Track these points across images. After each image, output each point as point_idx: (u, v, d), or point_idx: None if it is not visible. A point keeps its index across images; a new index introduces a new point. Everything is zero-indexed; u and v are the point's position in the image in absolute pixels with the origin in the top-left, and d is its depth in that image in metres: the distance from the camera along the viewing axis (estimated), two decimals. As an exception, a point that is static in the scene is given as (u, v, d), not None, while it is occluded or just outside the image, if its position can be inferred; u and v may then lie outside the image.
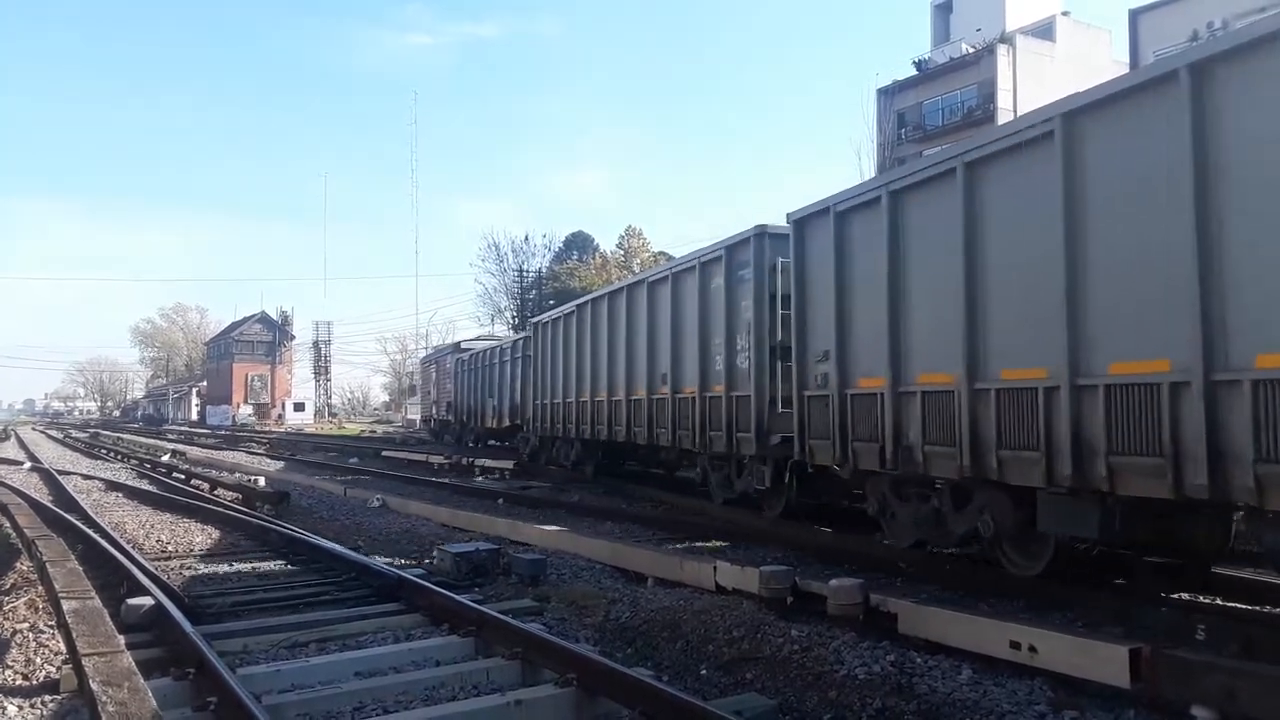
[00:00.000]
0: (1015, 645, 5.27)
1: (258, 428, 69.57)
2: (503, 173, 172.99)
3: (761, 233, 11.77)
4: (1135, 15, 38.96)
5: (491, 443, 29.15)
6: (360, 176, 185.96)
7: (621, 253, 62.55)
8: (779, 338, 11.19)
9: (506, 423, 25.83)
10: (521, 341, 24.57)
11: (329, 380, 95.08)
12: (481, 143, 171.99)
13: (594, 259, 62.66)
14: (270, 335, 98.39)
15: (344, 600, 7.52)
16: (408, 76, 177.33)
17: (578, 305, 18.62)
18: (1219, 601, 7.15)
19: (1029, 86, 47.40)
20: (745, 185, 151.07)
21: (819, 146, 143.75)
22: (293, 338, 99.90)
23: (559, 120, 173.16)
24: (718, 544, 10.34)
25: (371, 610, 7.03)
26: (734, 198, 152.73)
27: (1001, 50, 48.20)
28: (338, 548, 9.51)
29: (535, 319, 22.59)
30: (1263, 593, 7.14)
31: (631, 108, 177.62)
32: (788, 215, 10.36)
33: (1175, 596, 7.27)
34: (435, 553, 9.11)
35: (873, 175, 49.13)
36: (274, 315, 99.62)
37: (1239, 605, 7.02)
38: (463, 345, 34.55)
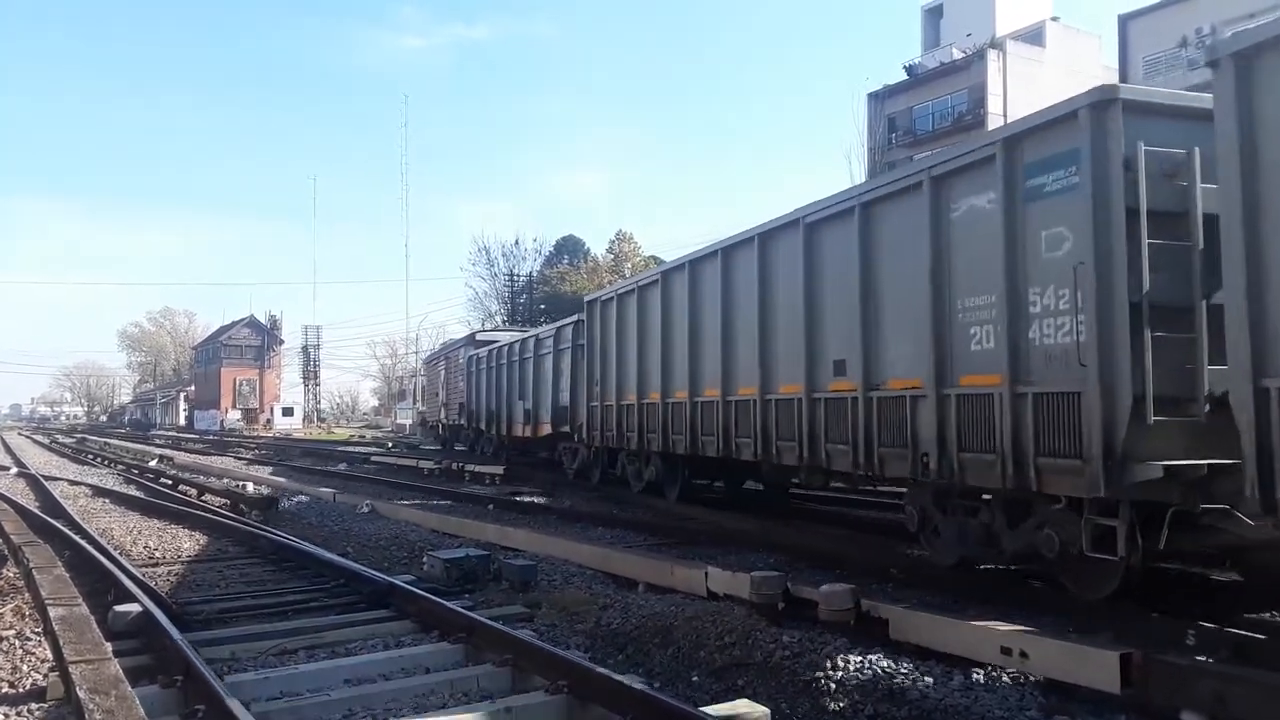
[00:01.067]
0: (1006, 651, 5.28)
1: (246, 433, 69.31)
2: (499, 175, 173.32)
3: (1110, 99, 6.48)
4: (1124, 20, 39.18)
5: (513, 454, 23.85)
6: (353, 179, 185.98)
7: (612, 257, 62.53)
8: (1147, 288, 6.23)
9: (547, 430, 20.47)
10: (570, 329, 19.08)
11: (318, 385, 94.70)
12: (477, 145, 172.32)
13: (584, 263, 62.66)
14: (259, 339, 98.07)
15: (333, 607, 7.48)
16: (402, 78, 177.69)
17: (664, 271, 13.82)
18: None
19: (1019, 92, 47.64)
20: (744, 186, 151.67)
21: (818, 147, 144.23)
22: (281, 342, 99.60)
23: (555, 122, 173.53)
24: (708, 549, 10.32)
25: (361, 617, 6.99)
26: (732, 198, 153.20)
27: (991, 55, 48.44)
28: (327, 554, 9.46)
29: (592, 295, 17.36)
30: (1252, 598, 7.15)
31: (628, 109, 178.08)
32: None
33: (1164, 602, 7.28)
34: (425, 559, 9.08)
35: (863, 179, 49.42)
36: (263, 319, 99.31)
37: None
38: (479, 338, 29.96)
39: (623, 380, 15.06)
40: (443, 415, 33.13)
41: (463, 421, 29.16)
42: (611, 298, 15.79)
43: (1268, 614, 6.69)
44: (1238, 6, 35.11)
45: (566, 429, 18.81)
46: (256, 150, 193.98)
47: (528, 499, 16.30)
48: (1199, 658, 5.20)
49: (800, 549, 9.82)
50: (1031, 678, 5.22)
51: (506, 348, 24.08)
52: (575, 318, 18.83)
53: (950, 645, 5.63)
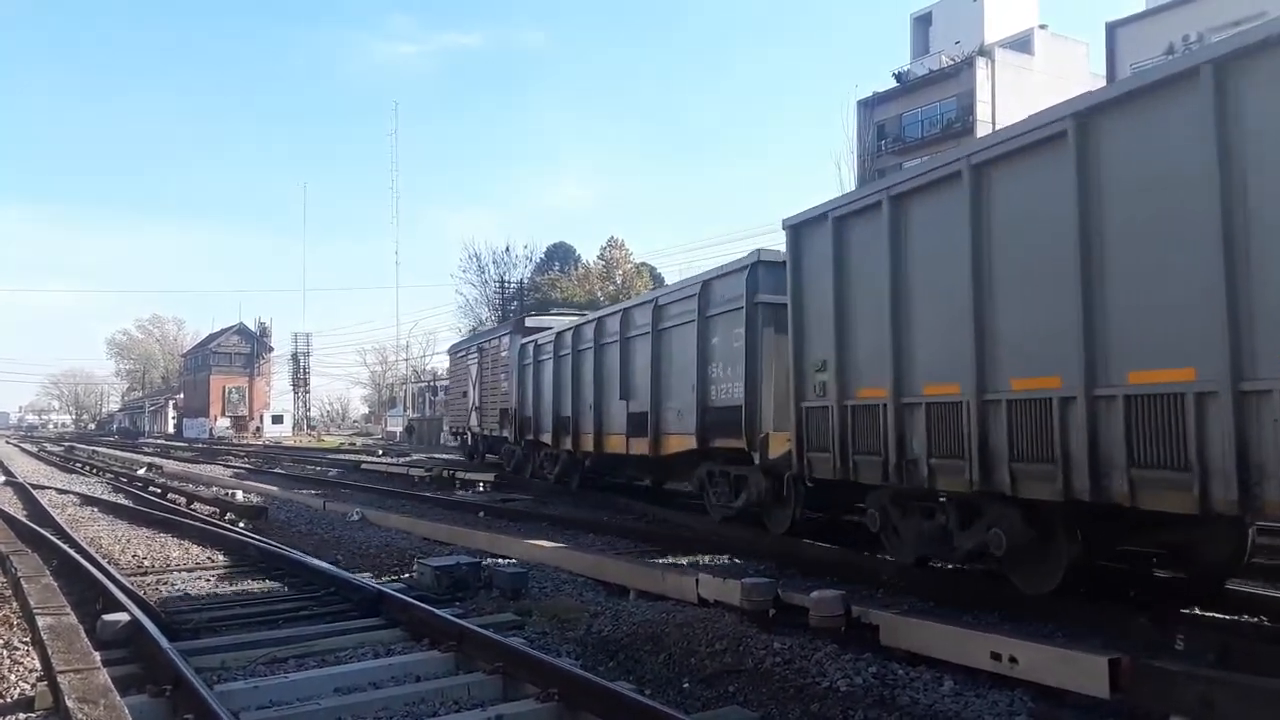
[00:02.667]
0: (996, 656, 5.30)
1: (235, 440, 69.03)
2: (490, 182, 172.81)
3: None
4: (1112, 28, 39.50)
5: (593, 478, 17.64)
6: (343, 186, 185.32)
7: (603, 264, 62.59)
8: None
9: (684, 443, 12.82)
10: (736, 279, 11.62)
11: (308, 392, 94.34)
12: (468, 152, 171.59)
13: (575, 270, 62.70)
14: (248, 347, 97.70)
15: (323, 615, 7.45)
16: (393, 86, 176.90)
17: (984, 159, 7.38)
18: (1197, 611, 7.20)
19: (1008, 99, 47.93)
20: (735, 192, 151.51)
21: (810, 153, 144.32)
22: (271, 349, 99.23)
23: (547, 129, 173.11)
24: (701, 557, 10.32)
25: (351, 625, 6.97)
26: (723, 206, 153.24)
27: (980, 63, 48.74)
28: (316, 562, 9.43)
29: (805, 215, 9.63)
30: (1241, 603, 7.20)
31: (621, 116, 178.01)
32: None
33: (1154, 607, 7.32)
34: (415, 567, 9.06)
35: (853, 186, 49.61)
36: (252, 327, 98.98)
37: (1216, 615, 7.07)
38: (530, 322, 22.55)
39: (908, 359, 8.12)
40: (475, 423, 24.97)
41: (506, 433, 21.42)
42: (857, 210, 8.82)
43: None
44: (1224, 14, 35.48)
45: (733, 442, 11.45)
46: (246, 157, 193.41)
47: (518, 506, 16.27)
48: (1187, 662, 5.22)
49: (797, 558, 9.82)
50: (1021, 683, 5.23)
51: (590, 326, 16.36)
52: (745, 258, 11.36)
53: (940, 651, 5.64)
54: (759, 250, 11.22)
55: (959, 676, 5.41)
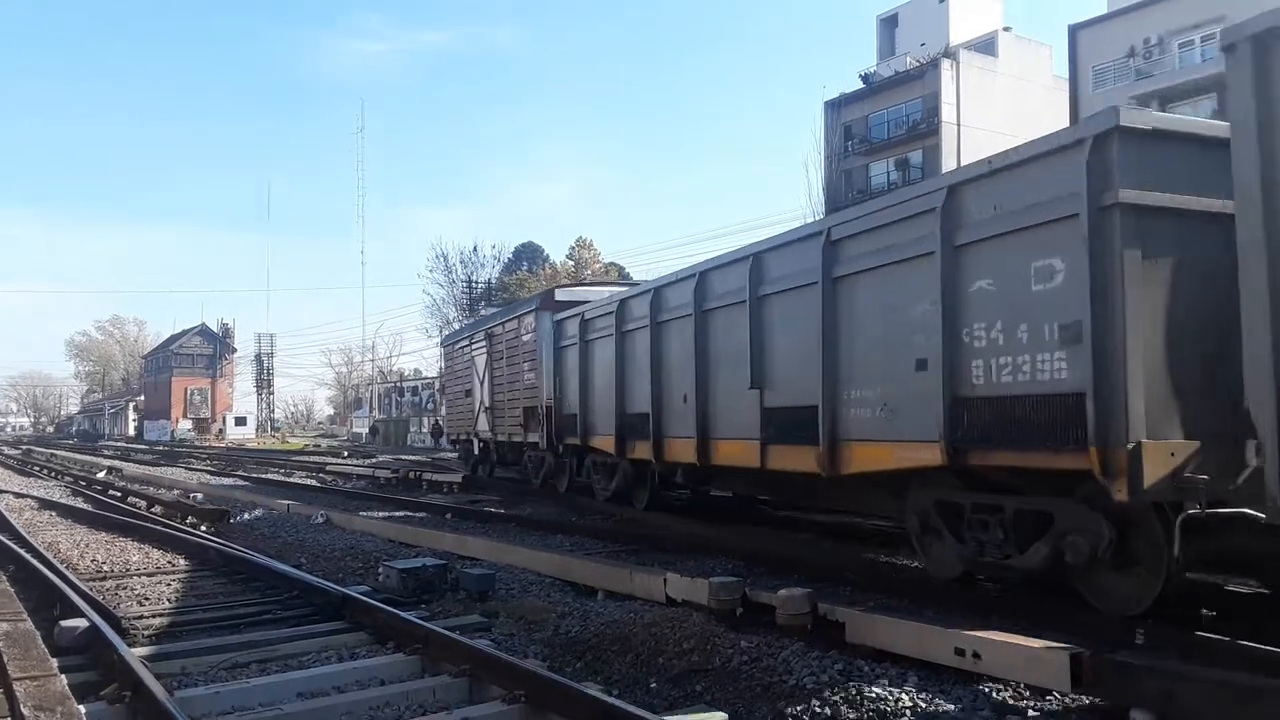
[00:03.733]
0: (960, 652, 5.34)
1: (197, 443, 68.12)
2: (459, 182, 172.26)
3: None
4: (1074, 31, 40.06)
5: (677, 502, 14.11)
6: (310, 185, 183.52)
7: (572, 264, 62.53)
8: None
9: (910, 461, 7.61)
10: (1080, 155, 6.01)
11: (272, 394, 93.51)
12: (438, 152, 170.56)
13: (544, 269, 62.55)
14: (211, 348, 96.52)
15: (286, 619, 7.36)
16: (362, 84, 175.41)
17: None
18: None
19: (973, 100, 48.49)
20: (706, 193, 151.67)
21: (780, 152, 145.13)
22: (234, 350, 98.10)
23: (518, 129, 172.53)
24: (668, 555, 10.32)
25: (315, 629, 6.89)
26: (694, 206, 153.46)
27: (945, 65, 49.24)
28: (279, 565, 9.32)
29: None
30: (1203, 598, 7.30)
31: (591, 116, 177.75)
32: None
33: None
34: (381, 569, 8.97)
35: (820, 189, 49.95)
36: (215, 328, 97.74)
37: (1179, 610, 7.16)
38: (560, 296, 17.37)
39: None
40: (485, 427, 20.61)
41: (534, 437, 17.25)
42: None
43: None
44: (1184, 18, 36.14)
45: (1040, 459, 6.46)
46: (211, 156, 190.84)
47: (486, 507, 16.19)
48: (1148, 656, 5.28)
49: (759, 554, 9.85)
50: (984, 678, 5.28)
51: (682, 287, 11.44)
52: (1087, 123, 6.26)
53: (905, 647, 5.68)
54: (1115, 109, 6.04)
55: (923, 672, 5.45)
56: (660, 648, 6.29)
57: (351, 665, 5.87)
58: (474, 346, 22.04)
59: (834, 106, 53.21)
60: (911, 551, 8.58)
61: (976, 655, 5.26)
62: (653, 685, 5.76)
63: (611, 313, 13.40)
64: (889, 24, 55.89)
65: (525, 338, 18.08)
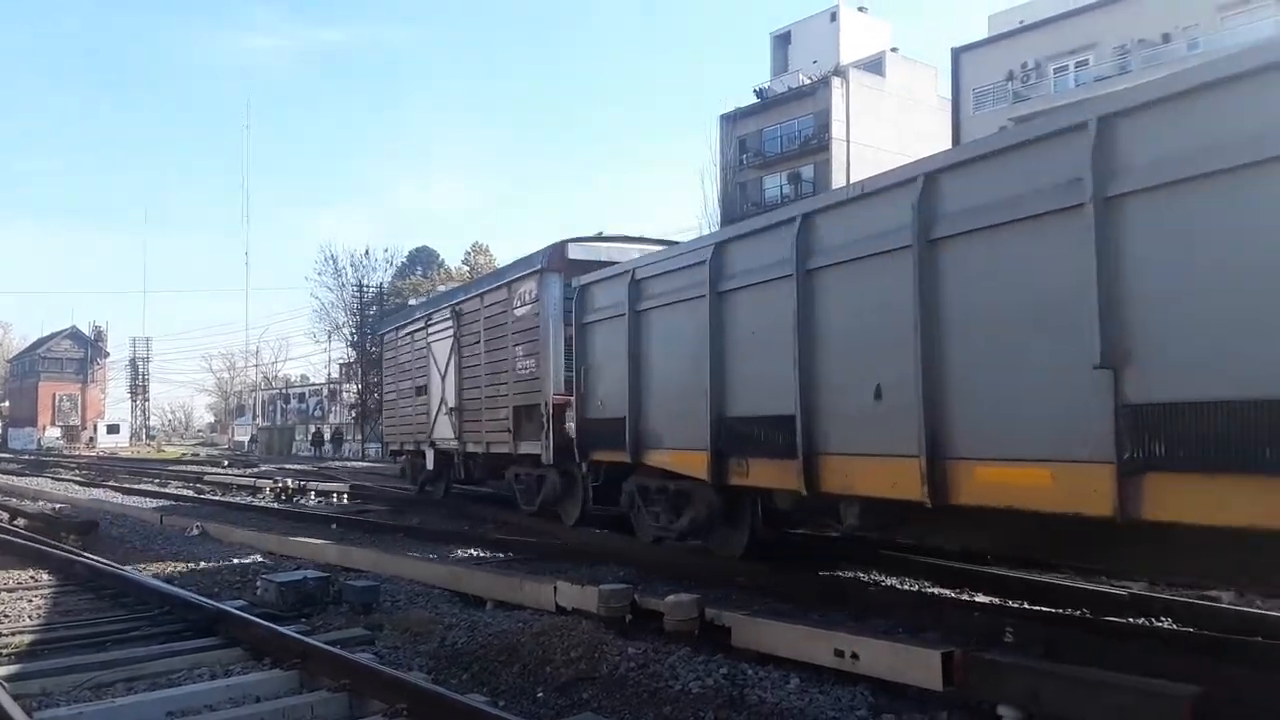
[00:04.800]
0: (839, 653, 5.48)
1: (66, 451, 64.59)
2: (351, 183, 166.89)
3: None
4: (957, 53, 41.80)
5: None
6: (194, 184, 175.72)
7: (468, 269, 61.78)
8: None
9: None
10: None
11: (147, 400, 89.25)
12: (328, 151, 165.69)
13: (439, 274, 61.60)
14: (81, 352, 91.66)
15: (156, 636, 7.02)
16: (250, 80, 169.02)
17: None
18: (1026, 605, 7.65)
19: (862, 118, 50.02)
20: (606, 203, 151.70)
21: (679, 162, 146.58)
22: (107, 355, 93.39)
23: (412, 130, 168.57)
24: (561, 564, 10.27)
25: (186, 646, 6.60)
26: (592, 216, 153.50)
27: (836, 83, 50.65)
28: (150, 580, 8.90)
29: None
30: (1062, 596, 7.68)
31: (488, 119, 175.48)
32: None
33: (988, 601, 7.74)
34: (259, 583, 8.66)
35: (716, 200, 50.67)
36: (86, 331, 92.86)
37: (1043, 609, 7.53)
38: (574, 254, 13.17)
39: None
40: (450, 433, 16.42)
41: (535, 448, 13.23)
42: None
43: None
44: (1059, 45, 38.14)
45: None
46: (86, 152, 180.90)
47: (374, 518, 15.82)
48: (1016, 655, 5.52)
49: (651, 562, 9.90)
50: (862, 678, 5.42)
51: (850, 208, 7.39)
52: None
53: (788, 650, 5.80)
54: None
55: (805, 674, 5.57)
56: (548, 657, 6.25)
57: (225, 683, 5.64)
58: (432, 331, 17.54)
59: (729, 120, 54.11)
60: (802, 560, 9.71)
61: (855, 656, 5.40)
62: (540, 695, 5.72)
63: (696, 264, 9.01)
64: (782, 41, 57.19)
65: (519, 312, 13.74)
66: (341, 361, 65.96)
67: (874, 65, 53.10)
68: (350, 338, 61.06)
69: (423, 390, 18.03)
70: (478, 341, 15.40)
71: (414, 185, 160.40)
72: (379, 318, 57.06)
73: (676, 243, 11.71)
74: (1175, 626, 6.87)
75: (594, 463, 11.44)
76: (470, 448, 15.84)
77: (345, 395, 66.70)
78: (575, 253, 13.05)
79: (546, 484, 13.35)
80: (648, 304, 10.06)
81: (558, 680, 5.90)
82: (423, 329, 18.22)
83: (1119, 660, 5.23)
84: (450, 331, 16.57)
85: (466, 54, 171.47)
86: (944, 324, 6.40)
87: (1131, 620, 7.05)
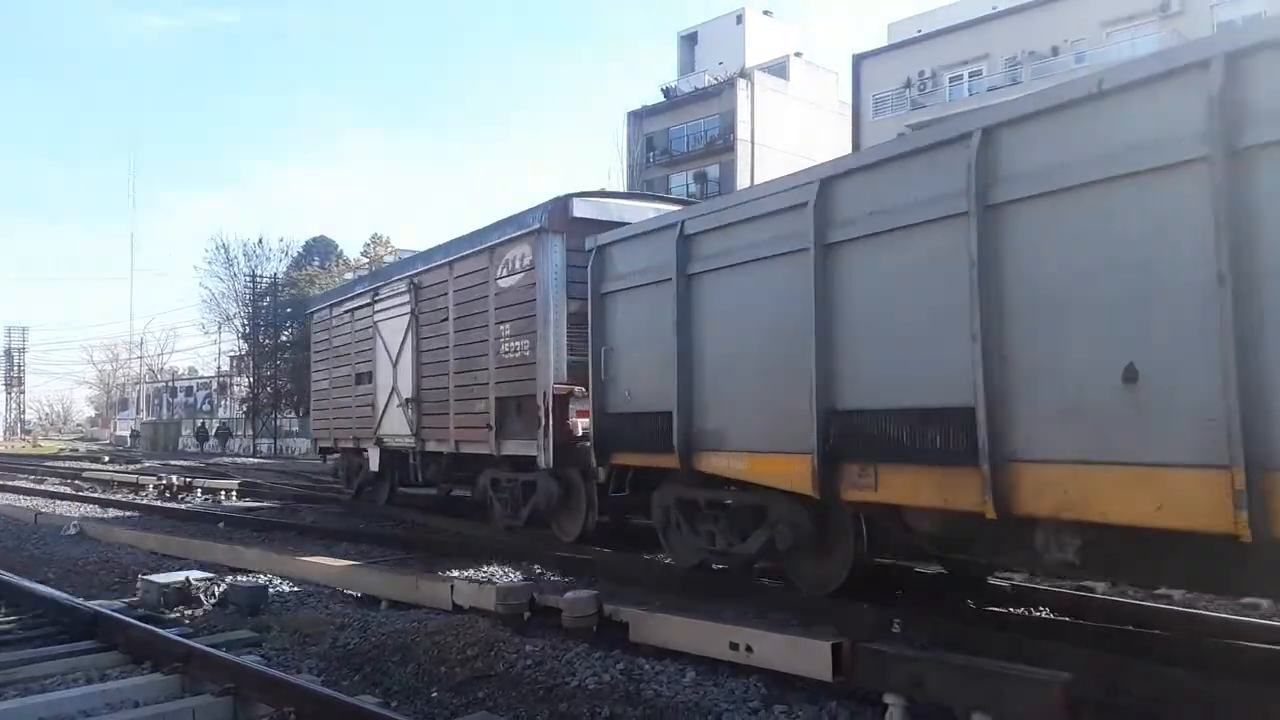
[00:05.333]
0: (734, 646, 5.56)
1: (-68, 446, 60.70)
2: (244, 170, 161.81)
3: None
4: (858, 60, 42.89)
5: None
6: (82, 168, 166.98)
7: (367, 260, 60.32)
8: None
9: None
10: None
11: (23, 393, 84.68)
12: (222, 137, 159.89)
13: (336, 265, 60.00)
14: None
15: (28, 640, 6.66)
16: (141, 60, 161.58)
17: None
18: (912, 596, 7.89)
19: (766, 120, 50.82)
20: (516, 196, 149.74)
21: (586, 160, 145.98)
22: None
23: (309, 117, 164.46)
24: (459, 561, 10.15)
25: (60, 650, 6.28)
26: (501, 210, 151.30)
27: (741, 85, 51.31)
28: (21, 580, 8.43)
29: None
30: (949, 588, 7.96)
31: (390, 107, 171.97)
32: None
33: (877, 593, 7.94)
34: (139, 583, 8.31)
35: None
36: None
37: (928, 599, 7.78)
38: (580, 212, 10.82)
39: None
40: (404, 428, 14.00)
41: (526, 449, 10.98)
42: None
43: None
44: (953, 55, 39.47)
45: None
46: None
47: (265, 516, 15.34)
48: (902, 645, 5.70)
49: (553, 558, 9.87)
50: (756, 670, 5.51)
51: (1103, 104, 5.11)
52: None
53: (684, 644, 5.86)
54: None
55: (701, 667, 5.64)
56: (444, 656, 6.17)
57: (102, 687, 5.39)
58: (381, 308, 14.95)
59: (636, 117, 54.32)
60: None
61: (749, 648, 5.49)
62: (434, 695, 5.64)
63: (786, 211, 7.05)
64: (689, 41, 57.65)
65: (505, 283, 11.41)
66: (233, 354, 63.75)
67: (778, 69, 53.98)
68: (242, 329, 59.08)
69: (366, 378, 15.48)
70: (444, 320, 12.84)
71: (311, 173, 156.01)
72: (273, 309, 55.43)
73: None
74: (1053, 616, 7.20)
75: (617, 467, 9.16)
76: (432, 446, 13.31)
77: (236, 389, 64.55)
78: (581, 209, 10.75)
79: (539, 492, 10.94)
80: (705, 265, 7.83)
81: (453, 680, 5.83)
82: (367, 306, 15.45)
83: (1000, 649, 5.46)
84: (406, 308, 13.88)
85: (362, 42, 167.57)
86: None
87: (1012, 611, 7.35)
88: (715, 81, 51.80)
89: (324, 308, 18.20)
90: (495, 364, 11.57)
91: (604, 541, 10.57)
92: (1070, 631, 6.57)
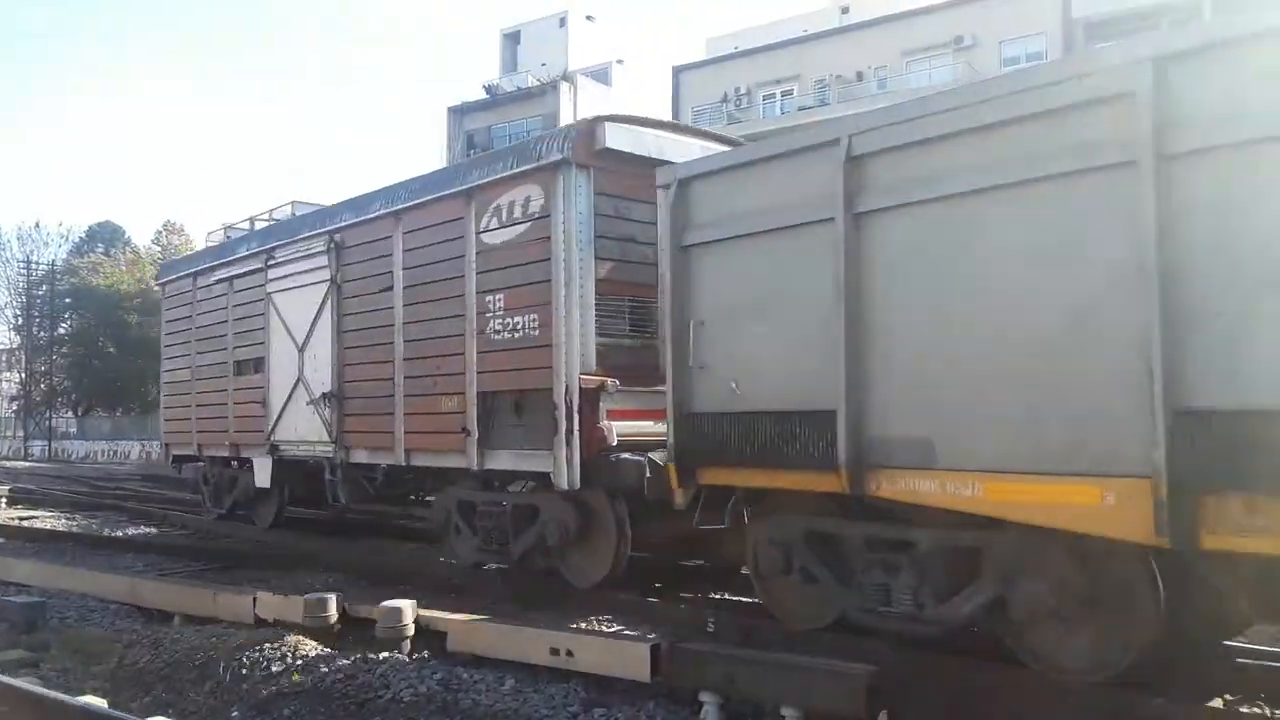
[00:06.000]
0: (555, 651, 5.57)
1: None
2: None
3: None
4: (678, 72, 44.04)
5: None
6: None
7: (159, 249, 56.23)
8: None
9: None
10: None
11: None
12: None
13: (124, 253, 55.60)
14: None
15: None
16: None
17: None
18: (728, 596, 8.13)
19: (588, 125, 50.97)
20: (331, 189, 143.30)
21: (409, 154, 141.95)
22: None
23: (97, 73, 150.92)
24: (263, 573, 9.61)
25: None
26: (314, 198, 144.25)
27: (564, 88, 51.41)
28: None
29: None
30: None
31: (187, 92, 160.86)
32: None
33: (697, 595, 8.15)
34: (-111, 603, 7.41)
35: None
36: None
37: (743, 599, 8.03)
38: (612, 140, 7.98)
39: None
40: (321, 431, 10.60)
41: (547, 464, 7.82)
42: None
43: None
44: (767, 74, 41.14)
45: None
46: None
47: (40, 524, 14.02)
48: (716, 644, 5.87)
49: (365, 567, 9.51)
50: (576, 674, 5.54)
51: None
52: None
53: (504, 651, 5.81)
54: None
55: (522, 675, 5.60)
56: (246, 673, 5.84)
57: None
58: (278, 274, 11.57)
59: (458, 113, 53.42)
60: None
61: (570, 653, 5.51)
62: (234, 714, 5.34)
63: (1074, 108, 4.84)
64: (512, 40, 57.33)
65: (497, 238, 8.51)
66: (3, 348, 57.94)
67: (600, 75, 54.48)
68: (14, 320, 53.86)
69: (252, 367, 12.19)
70: (386, 289, 9.74)
71: (93, 150, 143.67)
72: (50, 299, 50.83)
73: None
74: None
75: (706, 489, 6.64)
76: (361, 457, 10.21)
77: (6, 385, 58.77)
78: (615, 138, 8.08)
79: (546, 521, 8.11)
80: (892, 199, 5.56)
81: (256, 697, 5.54)
82: (256, 272, 11.99)
83: (808, 645, 5.72)
84: (322, 275, 10.69)
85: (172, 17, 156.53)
86: None
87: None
88: (539, 83, 51.72)
89: (182, 277, 14.14)
90: (479, 347, 8.62)
91: (638, 586, 7.98)
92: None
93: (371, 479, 10.42)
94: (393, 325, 9.64)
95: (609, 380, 7.80)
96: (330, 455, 10.46)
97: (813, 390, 5.85)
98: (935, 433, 5.32)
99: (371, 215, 10.10)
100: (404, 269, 9.58)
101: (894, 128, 5.60)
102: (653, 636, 5.87)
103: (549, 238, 7.94)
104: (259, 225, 13.74)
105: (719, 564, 8.21)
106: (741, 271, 6.39)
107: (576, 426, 7.68)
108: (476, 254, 8.68)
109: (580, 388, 7.72)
